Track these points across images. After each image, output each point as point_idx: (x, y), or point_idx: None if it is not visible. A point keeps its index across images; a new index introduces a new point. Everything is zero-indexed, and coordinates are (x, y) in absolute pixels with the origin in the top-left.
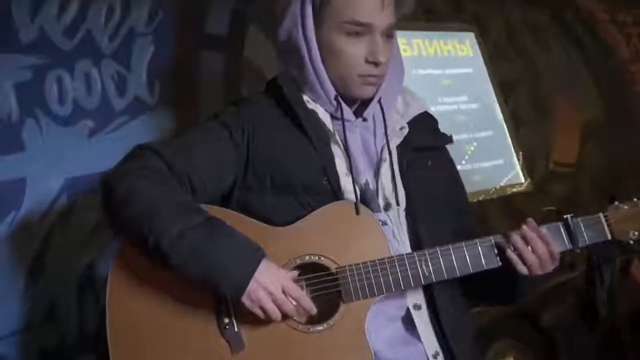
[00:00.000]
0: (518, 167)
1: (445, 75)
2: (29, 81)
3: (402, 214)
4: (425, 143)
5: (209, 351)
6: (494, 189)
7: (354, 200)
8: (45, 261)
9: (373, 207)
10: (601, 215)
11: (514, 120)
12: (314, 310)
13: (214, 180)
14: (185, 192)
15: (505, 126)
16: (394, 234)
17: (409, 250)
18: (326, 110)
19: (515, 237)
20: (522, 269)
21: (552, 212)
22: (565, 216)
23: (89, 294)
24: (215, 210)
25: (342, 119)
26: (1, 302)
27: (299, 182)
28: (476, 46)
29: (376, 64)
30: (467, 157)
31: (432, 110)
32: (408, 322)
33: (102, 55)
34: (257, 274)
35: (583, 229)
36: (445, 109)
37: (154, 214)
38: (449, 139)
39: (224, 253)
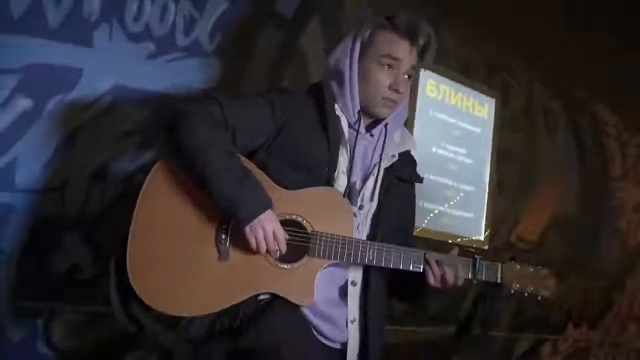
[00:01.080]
0: (482, 228)
1: (457, 126)
2: None
3: (370, 215)
4: (405, 175)
5: (202, 252)
6: (456, 236)
7: (341, 191)
8: (72, 145)
9: (352, 202)
10: (499, 265)
11: (498, 187)
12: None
13: (249, 139)
14: (230, 138)
15: (487, 188)
16: (358, 227)
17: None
18: (348, 120)
19: (436, 258)
20: (431, 280)
21: (472, 253)
22: (475, 256)
23: (97, 185)
24: (249, 163)
25: (358, 130)
26: (25, 162)
27: (306, 164)
28: (493, 112)
29: (397, 91)
30: (445, 201)
31: (433, 150)
32: (343, 292)
33: None
34: (262, 216)
35: (484, 269)
36: (443, 153)
37: (209, 148)
38: (420, 179)
39: (248, 193)
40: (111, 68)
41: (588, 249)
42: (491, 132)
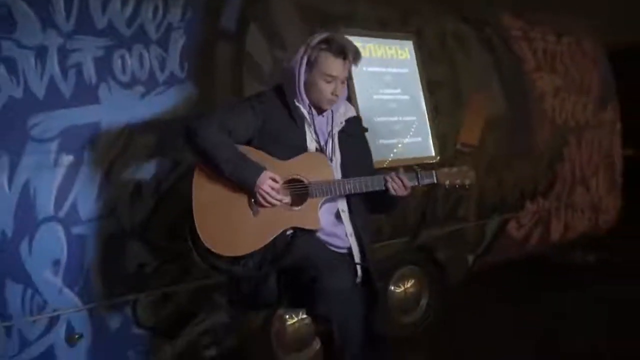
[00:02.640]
0: (432, 145)
1: (387, 73)
2: (102, 57)
3: (338, 164)
4: (353, 132)
5: (242, 213)
6: (412, 159)
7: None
8: (110, 177)
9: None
10: (434, 171)
11: (435, 111)
12: (285, 199)
13: (243, 134)
14: (228, 137)
15: (426, 114)
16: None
17: None
18: (303, 108)
19: (392, 174)
20: (391, 191)
21: (413, 168)
22: (416, 169)
23: (137, 200)
24: (251, 149)
25: (312, 115)
26: (83, 200)
27: (287, 141)
28: (413, 52)
29: (336, 95)
30: (395, 134)
31: (374, 98)
32: (337, 217)
33: (150, 42)
34: (258, 180)
35: (424, 175)
36: (383, 97)
37: (216, 150)
38: (365, 129)
39: (246, 170)
40: (118, 113)
41: (524, 137)
42: (416, 68)
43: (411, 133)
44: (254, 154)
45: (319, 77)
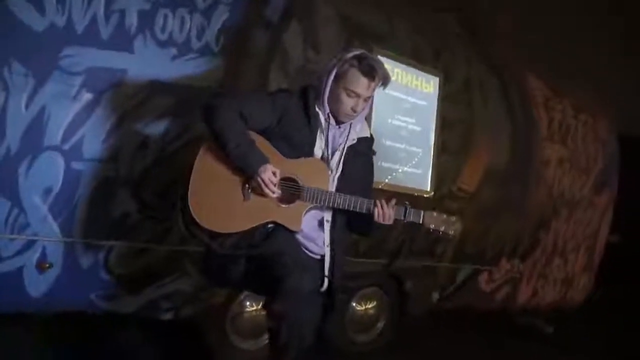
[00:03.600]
0: (429, 180)
1: (407, 101)
2: (147, 11)
3: (337, 177)
4: (361, 151)
5: (234, 195)
6: (407, 188)
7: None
8: (121, 125)
9: (329, 165)
10: (422, 211)
11: (441, 148)
12: (277, 193)
13: (257, 123)
14: (243, 122)
15: (432, 149)
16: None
17: None
18: (323, 116)
19: (382, 202)
20: (375, 216)
21: (403, 202)
22: (406, 204)
23: (139, 155)
24: (261, 138)
25: (329, 124)
26: (90, 139)
27: (296, 142)
28: (437, 88)
29: (355, 111)
30: (398, 160)
31: (389, 121)
32: (320, 224)
33: (195, 9)
34: (260, 169)
35: (412, 213)
36: (396, 123)
37: (229, 132)
38: (373, 152)
39: (252, 157)
40: (147, 68)
41: (518, 196)
42: (436, 104)
43: (413, 163)
44: (261, 144)
45: (342, 90)
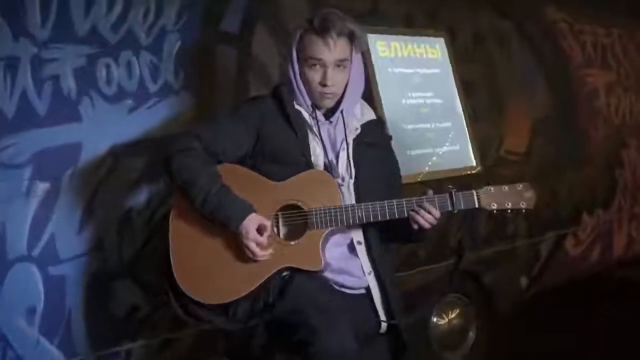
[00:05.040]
0: (471, 153)
1: (416, 74)
2: (84, 67)
3: (352, 183)
4: (372, 140)
5: (227, 251)
6: (449, 170)
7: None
8: (94, 207)
9: (334, 174)
10: (474, 192)
11: (472, 115)
12: (266, 255)
13: (232, 156)
14: (213, 162)
15: (463, 119)
16: (344, 196)
17: None
18: (306, 112)
19: (416, 202)
20: (414, 223)
21: (448, 188)
22: (451, 189)
23: (127, 232)
24: (238, 169)
25: (316, 118)
26: (62, 235)
27: (286, 157)
28: (445, 50)
29: (324, 85)
30: (428, 142)
31: (403, 102)
32: (351, 248)
33: (140, 47)
34: (242, 226)
35: (461, 199)
36: (413, 102)
37: (193, 183)
38: (389, 137)
39: (227, 210)
40: (103, 132)
41: (576, 140)
42: (450, 68)
43: (448, 141)
44: (242, 178)
45: (305, 64)
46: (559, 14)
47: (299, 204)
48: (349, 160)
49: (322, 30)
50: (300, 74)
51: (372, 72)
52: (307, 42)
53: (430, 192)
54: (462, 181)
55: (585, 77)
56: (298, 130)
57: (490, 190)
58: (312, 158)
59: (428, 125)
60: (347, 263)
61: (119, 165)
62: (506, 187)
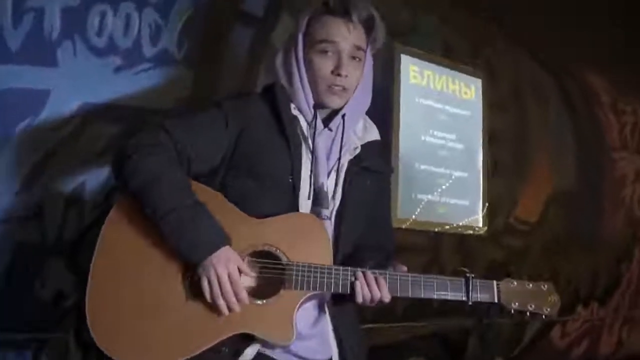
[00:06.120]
0: (480, 213)
1: (444, 111)
2: (75, 7)
3: (334, 214)
4: (372, 166)
5: (168, 293)
6: (453, 225)
7: (307, 196)
8: (44, 170)
9: (323, 204)
10: (494, 282)
11: (491, 168)
12: (244, 298)
13: (207, 157)
14: (183, 168)
15: (481, 172)
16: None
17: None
18: (305, 118)
19: (359, 274)
20: (357, 299)
21: (461, 270)
22: (467, 275)
23: (75, 208)
24: (203, 189)
25: (315, 127)
26: (1, 190)
27: (269, 174)
28: (480, 92)
29: (340, 75)
30: (438, 189)
31: (422, 139)
32: (321, 309)
33: (146, 3)
34: (217, 253)
35: (478, 288)
36: (433, 141)
37: (154, 188)
38: (391, 170)
39: (199, 234)
40: (78, 86)
41: (591, 223)
42: (480, 113)
43: (458, 192)
44: (207, 202)
45: (313, 50)
46: (603, 83)
47: (277, 252)
48: (338, 184)
49: (342, 12)
50: (305, 64)
51: (397, 97)
52: (318, 24)
53: (404, 268)
54: (464, 240)
55: (618, 160)
56: (291, 142)
57: (513, 284)
58: (301, 182)
59: (442, 170)
60: (313, 329)
61: (86, 128)
62: (530, 285)
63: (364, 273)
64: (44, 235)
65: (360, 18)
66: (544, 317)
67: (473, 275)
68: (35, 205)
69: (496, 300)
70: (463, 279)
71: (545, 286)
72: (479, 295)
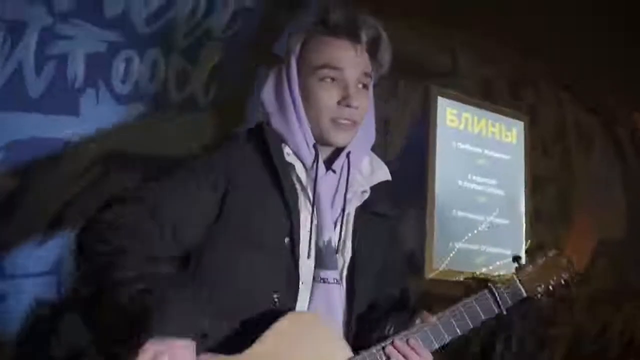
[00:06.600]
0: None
1: (483, 155)
2: (100, 54)
3: (344, 271)
4: (384, 211)
5: None
6: (493, 276)
7: (307, 255)
8: (64, 219)
9: (329, 265)
10: (514, 276)
11: (534, 216)
12: None
13: (186, 233)
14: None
15: (523, 220)
16: (332, 298)
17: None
18: (303, 162)
19: (389, 349)
20: None
21: (470, 278)
22: (489, 285)
23: None
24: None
25: (316, 170)
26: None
27: (261, 241)
28: (522, 136)
29: (349, 106)
30: (475, 237)
31: (459, 184)
32: None
33: (173, 48)
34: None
35: (504, 293)
36: (471, 187)
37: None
38: (399, 215)
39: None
40: (100, 134)
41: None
42: (522, 157)
43: (499, 240)
44: None
45: (312, 78)
46: None
47: None
48: (344, 240)
49: (347, 30)
50: (302, 95)
51: (433, 141)
52: (317, 46)
53: (432, 319)
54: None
55: None
56: (288, 194)
57: (528, 268)
58: (300, 241)
59: (481, 218)
60: None
61: (106, 176)
62: (540, 260)
63: (392, 343)
64: (60, 288)
65: (367, 38)
66: (563, 282)
67: (489, 282)
68: (52, 260)
69: (525, 295)
70: (487, 291)
71: (551, 252)
72: (509, 299)
